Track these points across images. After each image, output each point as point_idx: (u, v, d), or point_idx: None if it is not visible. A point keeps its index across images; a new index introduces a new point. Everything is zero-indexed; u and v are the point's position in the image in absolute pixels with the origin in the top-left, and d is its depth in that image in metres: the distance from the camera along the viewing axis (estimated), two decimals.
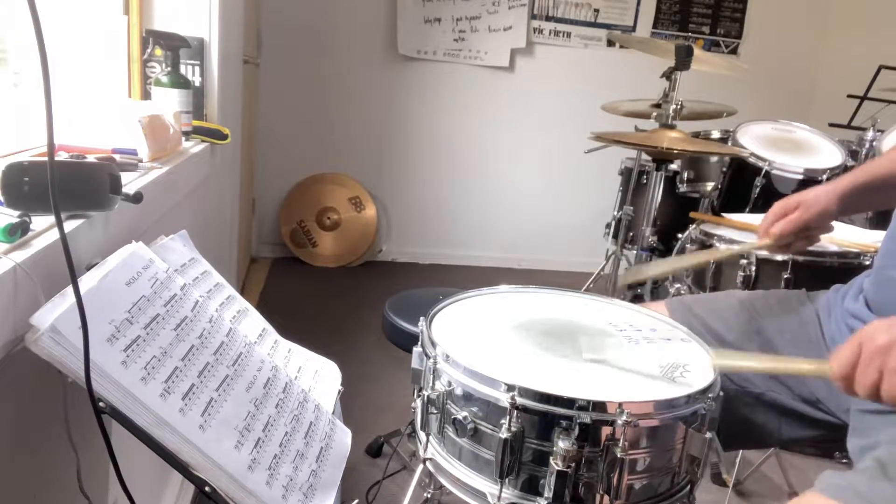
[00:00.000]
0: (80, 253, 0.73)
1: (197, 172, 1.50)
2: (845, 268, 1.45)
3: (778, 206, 1.11)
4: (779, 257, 1.49)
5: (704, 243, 1.64)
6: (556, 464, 0.75)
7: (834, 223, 1.14)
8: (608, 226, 2.97)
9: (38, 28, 0.53)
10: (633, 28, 3.83)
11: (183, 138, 1.46)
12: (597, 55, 3.81)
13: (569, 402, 0.76)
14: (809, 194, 1.09)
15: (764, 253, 1.50)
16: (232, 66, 2.15)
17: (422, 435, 0.90)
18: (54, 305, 0.60)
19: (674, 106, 2.05)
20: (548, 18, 3.73)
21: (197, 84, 1.73)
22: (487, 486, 0.81)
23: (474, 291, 1.09)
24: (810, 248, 1.47)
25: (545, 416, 0.76)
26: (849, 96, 3.12)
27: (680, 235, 1.85)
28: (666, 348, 0.95)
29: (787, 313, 1.11)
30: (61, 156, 0.91)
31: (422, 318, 0.94)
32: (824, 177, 2.23)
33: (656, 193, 2.32)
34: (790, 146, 2.39)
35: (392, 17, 3.58)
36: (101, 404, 0.60)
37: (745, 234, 1.60)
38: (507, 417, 0.77)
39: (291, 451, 0.75)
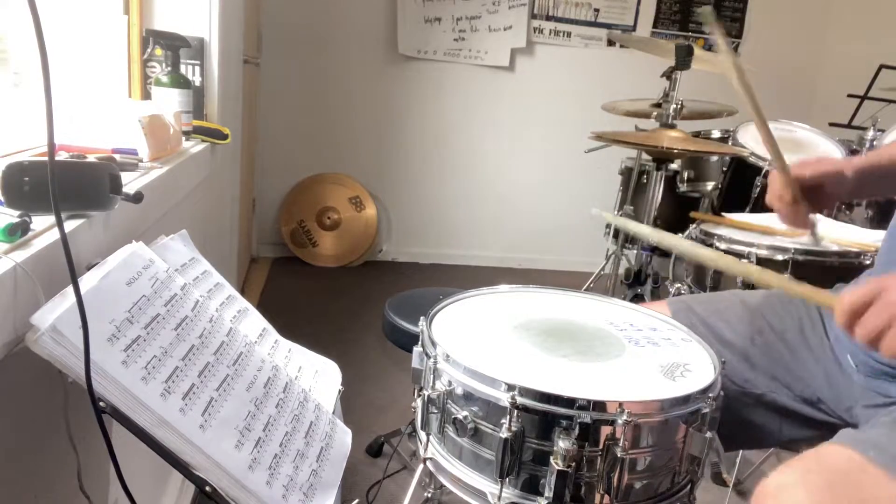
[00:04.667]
0: (80, 253, 0.73)
1: (197, 172, 1.50)
2: (846, 267, 1.45)
3: (798, 166, 1.08)
4: (779, 257, 1.49)
5: (705, 243, 1.64)
6: (556, 463, 0.75)
7: (831, 222, 1.13)
8: (608, 225, 2.97)
9: (38, 28, 0.53)
10: (634, 28, 3.82)
11: (183, 138, 1.46)
12: (597, 55, 3.81)
13: (569, 402, 0.76)
14: (828, 157, 1.08)
15: (764, 253, 1.50)
16: (232, 66, 2.15)
17: (422, 434, 0.90)
18: (54, 305, 0.60)
19: (674, 105, 2.05)
20: (548, 18, 3.73)
21: (197, 84, 1.73)
22: (488, 485, 0.81)
23: (474, 291, 1.09)
24: (811, 248, 1.48)
25: (545, 415, 0.76)
26: (849, 96, 3.12)
27: (680, 235, 1.85)
28: (666, 348, 0.95)
29: (789, 313, 1.11)
30: (61, 156, 0.91)
31: (422, 318, 0.94)
32: None
33: (656, 193, 2.32)
34: (790, 146, 2.39)
35: (392, 16, 3.58)
36: (101, 404, 0.60)
37: (745, 233, 1.60)
38: (508, 417, 0.77)
39: (292, 451, 0.75)
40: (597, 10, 3.76)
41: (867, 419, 0.95)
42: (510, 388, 0.77)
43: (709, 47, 3.88)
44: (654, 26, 3.84)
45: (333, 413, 0.88)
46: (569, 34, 3.77)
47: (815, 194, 1.06)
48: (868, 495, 0.73)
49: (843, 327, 0.77)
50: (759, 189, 2.25)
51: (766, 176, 2.24)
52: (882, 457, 0.74)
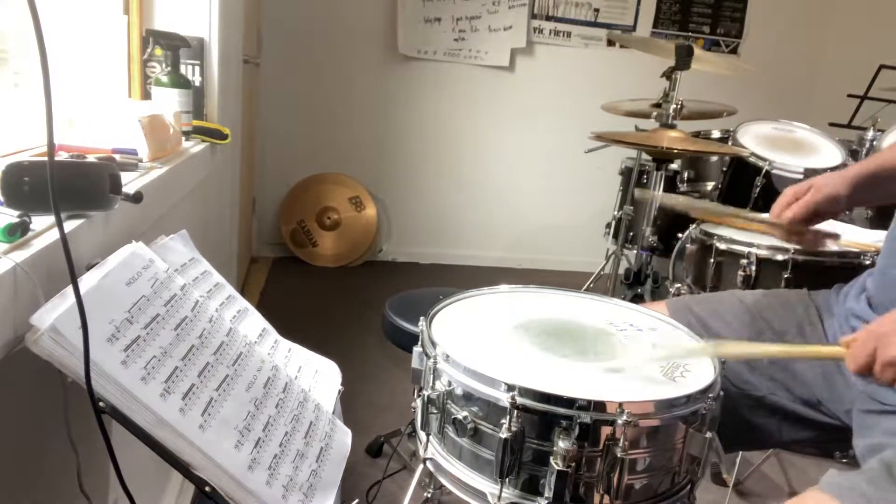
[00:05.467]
0: (80, 253, 0.73)
1: (197, 172, 1.50)
2: (845, 267, 1.45)
3: (789, 190, 1.10)
4: (779, 257, 1.49)
5: (704, 243, 1.64)
6: (556, 463, 0.75)
7: (839, 230, 1.14)
8: (608, 225, 2.97)
9: (38, 28, 0.53)
10: (634, 28, 3.83)
11: (183, 138, 1.46)
12: (597, 55, 3.81)
13: (569, 402, 0.76)
14: (819, 178, 1.09)
15: (765, 253, 1.50)
16: (232, 66, 2.15)
17: (422, 435, 0.90)
18: (54, 305, 0.60)
19: (674, 106, 2.05)
20: (548, 18, 3.73)
21: (197, 84, 1.73)
22: (488, 485, 0.81)
23: (474, 291, 1.09)
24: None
25: (545, 415, 0.76)
26: (849, 96, 3.12)
27: (680, 235, 1.85)
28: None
29: (788, 313, 1.11)
30: (61, 156, 0.91)
31: (422, 318, 0.94)
32: None
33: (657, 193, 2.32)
34: (790, 146, 2.39)
35: (392, 16, 3.58)
36: (101, 404, 0.60)
37: (745, 233, 1.60)
38: (508, 417, 0.77)
39: (291, 451, 0.75)
40: (597, 10, 3.76)
41: (863, 424, 0.94)
42: (510, 388, 0.77)
43: (708, 48, 3.89)
44: (654, 26, 3.84)
45: (333, 413, 0.88)
46: (569, 34, 3.77)
47: (814, 219, 1.09)
48: None
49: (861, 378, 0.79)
50: (759, 189, 2.25)
51: (766, 176, 2.24)
52: None
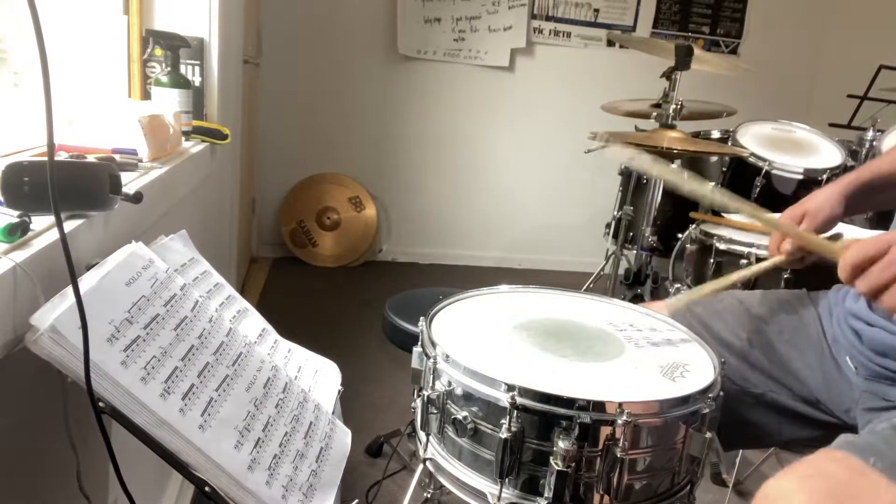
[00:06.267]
0: (79, 253, 0.73)
1: (197, 172, 1.50)
2: None
3: (783, 219, 1.10)
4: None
5: (704, 243, 1.64)
6: (556, 464, 0.75)
7: (839, 229, 1.13)
8: (608, 226, 2.97)
9: (38, 28, 0.53)
10: (633, 28, 3.83)
11: (183, 138, 1.46)
12: (597, 55, 3.81)
13: (569, 402, 0.76)
14: (812, 202, 1.07)
15: (764, 253, 1.50)
16: (232, 66, 2.15)
17: (422, 435, 0.90)
18: (54, 305, 0.60)
19: (674, 106, 2.05)
20: (548, 18, 3.73)
21: (197, 84, 1.73)
22: (487, 486, 0.81)
23: (474, 291, 1.09)
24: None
25: (545, 415, 0.76)
26: (849, 96, 3.12)
27: (680, 235, 1.85)
28: (666, 348, 0.95)
29: (788, 314, 1.11)
30: (61, 156, 0.91)
31: (422, 318, 0.94)
32: (824, 177, 2.23)
33: (656, 193, 2.32)
34: (790, 146, 2.39)
35: (392, 16, 3.58)
36: (100, 404, 0.60)
37: (745, 234, 1.60)
38: (507, 417, 0.77)
39: (291, 451, 0.75)
40: (597, 11, 3.76)
41: (866, 422, 0.94)
42: (510, 388, 0.77)
43: (708, 48, 3.89)
44: (654, 26, 3.84)
45: (333, 413, 0.88)
46: (569, 34, 3.77)
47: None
48: (869, 502, 0.73)
49: (845, 279, 0.78)
50: (758, 189, 2.25)
51: (766, 176, 2.24)
52: (882, 462, 0.74)
